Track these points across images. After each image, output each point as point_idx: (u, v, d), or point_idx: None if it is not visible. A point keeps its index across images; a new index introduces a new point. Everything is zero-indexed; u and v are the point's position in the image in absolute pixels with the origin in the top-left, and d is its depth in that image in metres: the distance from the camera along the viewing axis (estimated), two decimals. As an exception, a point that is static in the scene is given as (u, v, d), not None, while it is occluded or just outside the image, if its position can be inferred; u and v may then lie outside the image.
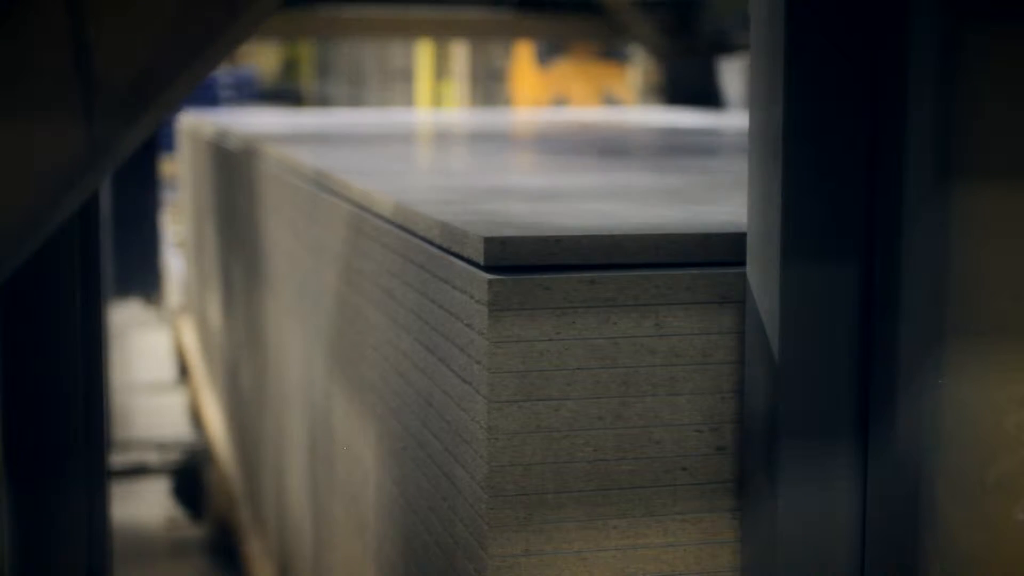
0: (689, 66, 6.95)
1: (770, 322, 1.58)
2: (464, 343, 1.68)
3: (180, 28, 1.23)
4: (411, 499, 1.98)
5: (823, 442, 1.58)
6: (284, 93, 18.19)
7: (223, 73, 13.80)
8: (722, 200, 2.10)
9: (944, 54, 1.46)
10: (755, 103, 1.60)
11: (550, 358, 1.61)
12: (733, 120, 5.18)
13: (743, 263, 1.65)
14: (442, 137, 4.59)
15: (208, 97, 12.28)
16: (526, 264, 1.62)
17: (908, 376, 1.51)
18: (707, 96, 6.76)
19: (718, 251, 1.67)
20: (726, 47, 6.69)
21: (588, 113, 6.66)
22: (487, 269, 1.62)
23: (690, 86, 6.95)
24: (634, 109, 7.60)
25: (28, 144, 1.21)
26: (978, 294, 1.48)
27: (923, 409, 1.50)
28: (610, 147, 3.78)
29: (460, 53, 13.02)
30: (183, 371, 6.46)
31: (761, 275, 1.59)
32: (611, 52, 10.72)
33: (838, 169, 1.56)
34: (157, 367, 7.29)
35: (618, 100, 10.50)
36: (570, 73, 11.02)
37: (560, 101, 10.89)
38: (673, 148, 3.69)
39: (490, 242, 1.61)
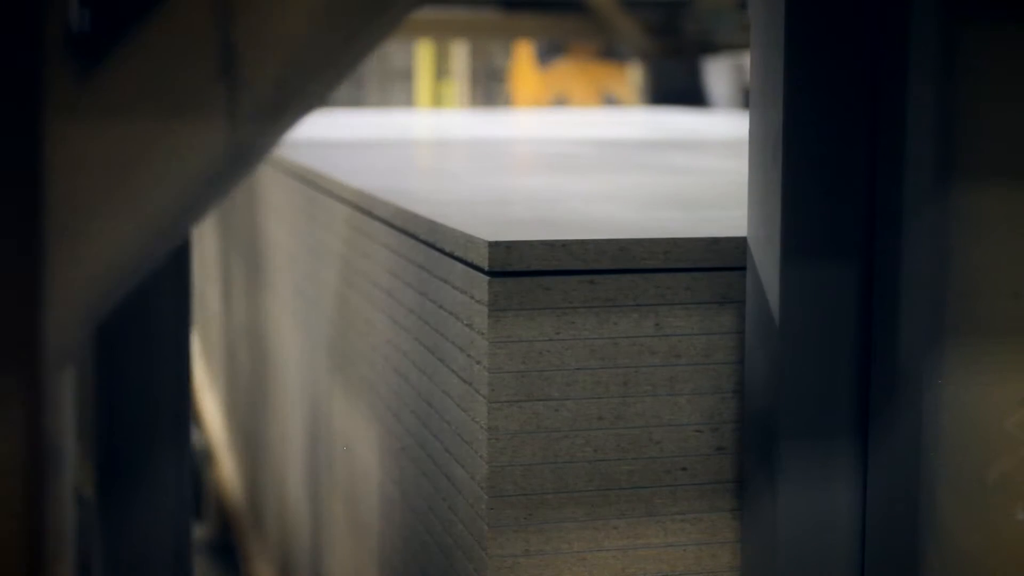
0: (674, 66, 6.94)
1: (770, 322, 1.57)
2: (464, 343, 1.68)
3: (326, 25, 1.21)
4: (411, 499, 1.98)
5: (823, 442, 1.58)
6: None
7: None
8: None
9: (944, 54, 1.46)
10: (755, 103, 1.60)
11: (550, 358, 1.60)
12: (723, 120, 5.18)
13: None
14: (442, 142, 4.59)
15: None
16: (531, 269, 1.61)
17: (908, 376, 1.51)
18: (692, 96, 6.75)
19: (726, 256, 1.66)
20: (711, 47, 6.67)
21: (589, 114, 6.65)
22: (490, 272, 1.61)
23: (675, 86, 6.95)
24: (635, 110, 7.60)
25: (172, 148, 1.19)
26: (978, 294, 1.48)
27: (923, 409, 1.50)
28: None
29: (460, 53, 12.99)
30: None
31: (761, 275, 1.59)
32: (611, 52, 10.71)
33: (838, 169, 1.56)
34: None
35: (618, 100, 10.49)
36: (570, 73, 10.99)
37: (560, 101, 10.87)
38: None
39: (495, 247, 1.60)
